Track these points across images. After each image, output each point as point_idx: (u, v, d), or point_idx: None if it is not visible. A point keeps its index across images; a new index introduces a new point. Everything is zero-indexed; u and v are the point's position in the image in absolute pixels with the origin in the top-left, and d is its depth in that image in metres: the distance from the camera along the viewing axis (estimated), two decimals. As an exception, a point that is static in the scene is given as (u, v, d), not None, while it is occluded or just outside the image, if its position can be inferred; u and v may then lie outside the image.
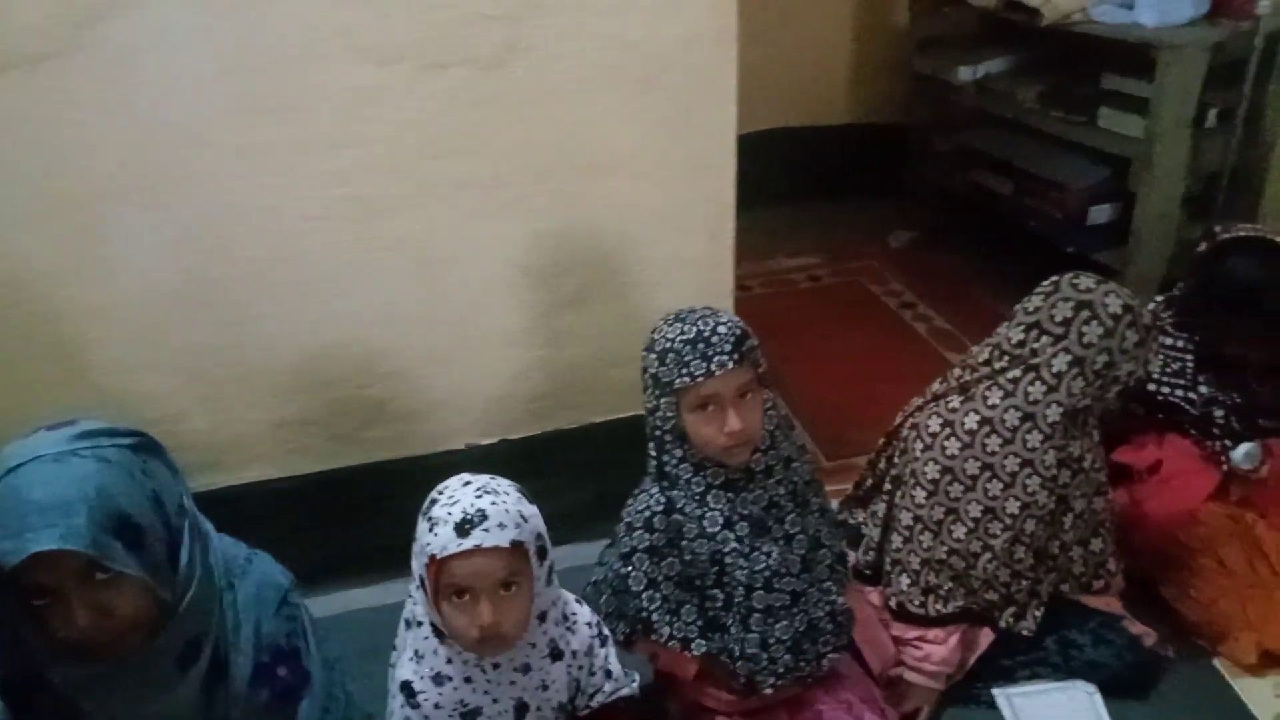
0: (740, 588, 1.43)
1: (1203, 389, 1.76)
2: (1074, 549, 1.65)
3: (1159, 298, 1.87)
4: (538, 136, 1.69)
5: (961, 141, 3.04)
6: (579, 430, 1.98)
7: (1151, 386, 1.77)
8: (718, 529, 1.42)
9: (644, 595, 1.42)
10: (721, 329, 1.34)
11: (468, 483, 1.21)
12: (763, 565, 1.43)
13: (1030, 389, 1.52)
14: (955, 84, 2.93)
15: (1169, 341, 1.79)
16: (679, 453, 1.41)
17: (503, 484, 1.23)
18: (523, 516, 1.18)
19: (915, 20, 3.14)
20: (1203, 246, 1.75)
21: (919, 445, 1.60)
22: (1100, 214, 2.57)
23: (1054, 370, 1.50)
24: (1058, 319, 1.50)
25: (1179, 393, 1.76)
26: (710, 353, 1.32)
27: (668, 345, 1.35)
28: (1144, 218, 2.45)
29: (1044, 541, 1.60)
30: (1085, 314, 1.48)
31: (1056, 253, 2.65)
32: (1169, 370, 1.77)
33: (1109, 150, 2.52)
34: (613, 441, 1.82)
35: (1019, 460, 1.53)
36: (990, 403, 1.54)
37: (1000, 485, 1.54)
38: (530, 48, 1.61)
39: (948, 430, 1.57)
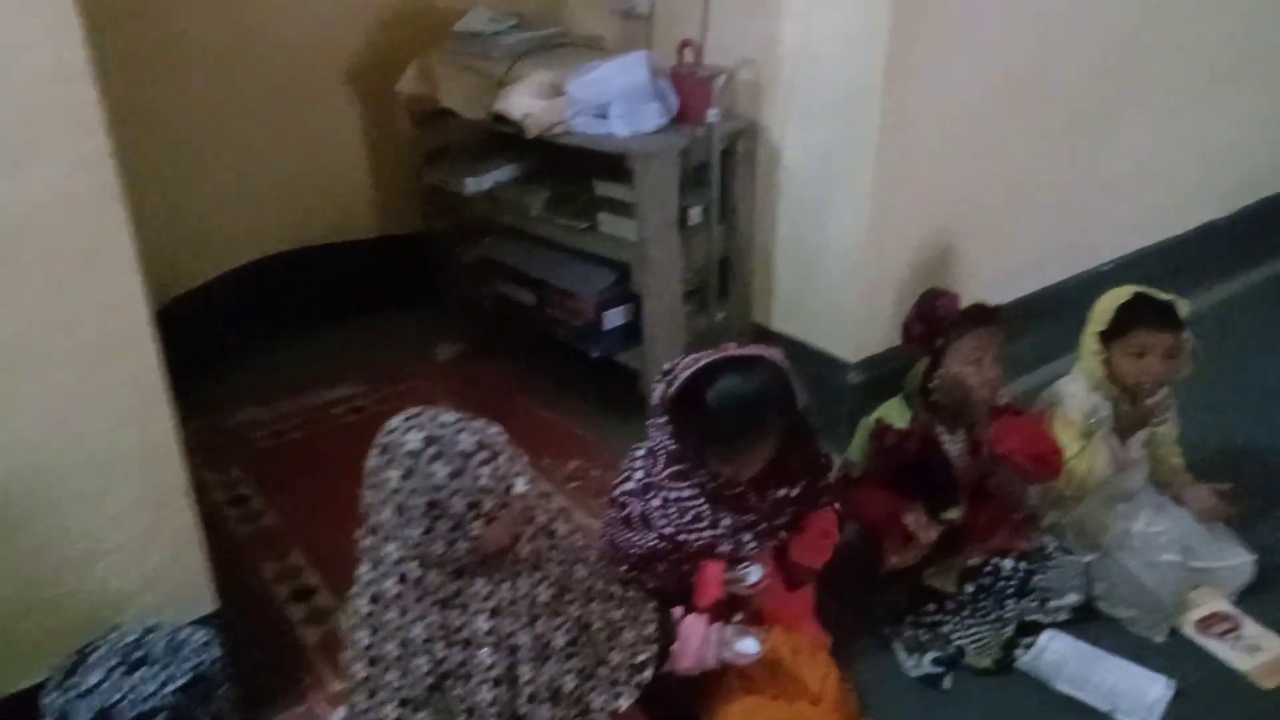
0: None
1: (725, 522, 1.74)
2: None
3: (639, 454, 1.80)
4: None
5: (481, 252, 2.96)
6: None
7: (681, 537, 1.72)
8: None
9: None
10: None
11: None
12: None
13: (387, 549, 1.37)
14: (465, 194, 2.84)
15: (674, 495, 1.73)
16: None
17: None
18: None
19: (420, 131, 3.03)
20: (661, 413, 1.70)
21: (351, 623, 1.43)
22: (614, 317, 2.58)
23: (388, 524, 1.34)
24: (370, 468, 1.36)
25: (706, 534, 1.73)
26: None
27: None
28: (652, 316, 2.50)
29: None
30: (386, 458, 1.33)
31: (588, 357, 2.65)
32: (685, 520, 1.72)
33: (613, 256, 2.55)
34: None
35: (424, 624, 1.37)
36: (365, 572, 1.40)
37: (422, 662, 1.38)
38: None
39: (367, 607, 1.41)
